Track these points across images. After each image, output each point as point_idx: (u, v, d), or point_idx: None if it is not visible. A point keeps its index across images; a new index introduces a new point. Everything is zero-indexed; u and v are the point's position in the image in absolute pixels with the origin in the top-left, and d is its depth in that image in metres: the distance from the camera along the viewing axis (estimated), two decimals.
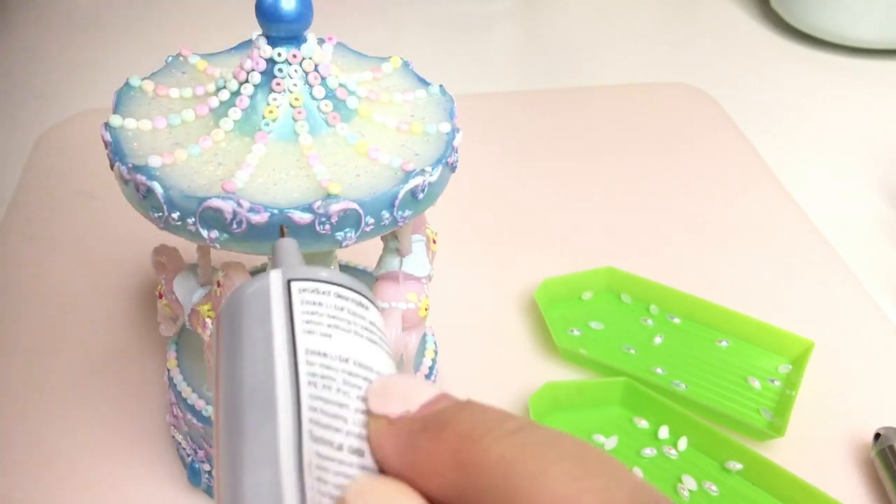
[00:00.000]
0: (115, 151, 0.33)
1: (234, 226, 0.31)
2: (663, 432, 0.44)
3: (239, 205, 0.30)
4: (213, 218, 0.31)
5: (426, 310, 0.38)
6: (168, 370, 0.41)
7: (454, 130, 0.35)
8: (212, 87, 0.35)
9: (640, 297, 0.53)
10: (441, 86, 0.38)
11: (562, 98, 0.74)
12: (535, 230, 0.59)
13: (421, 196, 0.33)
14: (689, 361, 0.49)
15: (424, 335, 0.43)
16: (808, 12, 0.83)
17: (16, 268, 0.54)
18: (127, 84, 0.36)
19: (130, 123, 0.34)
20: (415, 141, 0.35)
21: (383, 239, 0.39)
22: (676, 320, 0.51)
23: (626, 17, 0.91)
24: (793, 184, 0.65)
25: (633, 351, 0.49)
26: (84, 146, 0.64)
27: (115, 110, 0.35)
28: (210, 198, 0.30)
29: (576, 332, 0.50)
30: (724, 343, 0.50)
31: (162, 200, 0.31)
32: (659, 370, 0.48)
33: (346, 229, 0.32)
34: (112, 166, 0.34)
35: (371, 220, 0.32)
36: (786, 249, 0.58)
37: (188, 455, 0.41)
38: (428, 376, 0.42)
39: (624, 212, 0.61)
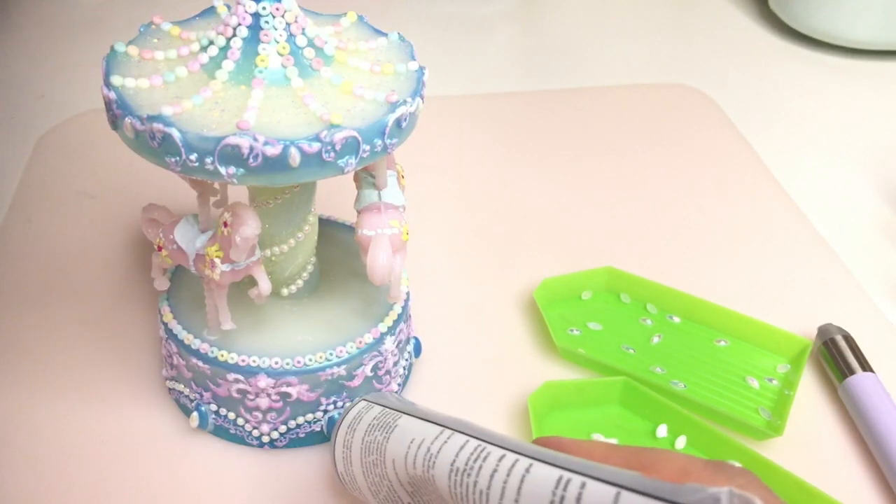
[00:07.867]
0: (123, 106, 0.35)
1: (251, 160, 0.33)
2: (662, 431, 0.45)
3: (255, 139, 0.33)
4: (230, 154, 0.33)
5: (407, 234, 0.42)
6: (165, 324, 0.43)
7: (422, 68, 0.39)
8: (196, 47, 0.38)
9: (639, 297, 0.53)
10: (399, 33, 0.42)
11: (562, 98, 0.74)
12: (535, 230, 0.59)
13: (404, 125, 0.37)
14: (688, 361, 0.49)
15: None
16: (807, 13, 0.83)
17: (16, 268, 0.54)
18: (113, 50, 0.38)
19: (130, 82, 0.36)
20: (388, 80, 0.38)
21: (357, 177, 0.43)
22: (675, 320, 0.52)
23: (626, 18, 0.91)
24: (791, 184, 0.65)
25: (631, 350, 0.50)
26: (85, 147, 0.64)
27: (108, 74, 0.36)
28: (228, 136, 0.33)
29: (575, 332, 0.51)
30: (722, 343, 0.50)
31: (180, 144, 0.33)
32: (658, 369, 0.48)
33: (347, 156, 0.35)
34: (116, 125, 0.35)
35: (367, 148, 0.35)
36: (785, 249, 0.58)
37: (192, 401, 0.43)
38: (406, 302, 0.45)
39: (623, 212, 0.61)
